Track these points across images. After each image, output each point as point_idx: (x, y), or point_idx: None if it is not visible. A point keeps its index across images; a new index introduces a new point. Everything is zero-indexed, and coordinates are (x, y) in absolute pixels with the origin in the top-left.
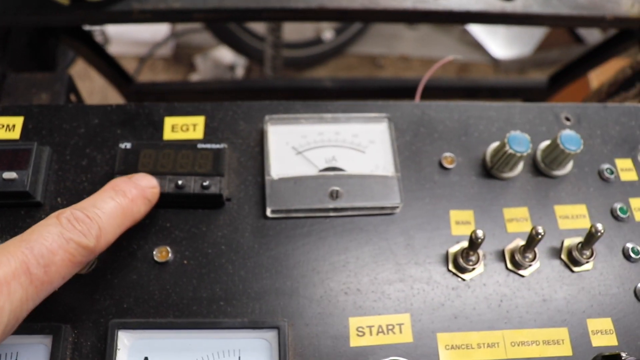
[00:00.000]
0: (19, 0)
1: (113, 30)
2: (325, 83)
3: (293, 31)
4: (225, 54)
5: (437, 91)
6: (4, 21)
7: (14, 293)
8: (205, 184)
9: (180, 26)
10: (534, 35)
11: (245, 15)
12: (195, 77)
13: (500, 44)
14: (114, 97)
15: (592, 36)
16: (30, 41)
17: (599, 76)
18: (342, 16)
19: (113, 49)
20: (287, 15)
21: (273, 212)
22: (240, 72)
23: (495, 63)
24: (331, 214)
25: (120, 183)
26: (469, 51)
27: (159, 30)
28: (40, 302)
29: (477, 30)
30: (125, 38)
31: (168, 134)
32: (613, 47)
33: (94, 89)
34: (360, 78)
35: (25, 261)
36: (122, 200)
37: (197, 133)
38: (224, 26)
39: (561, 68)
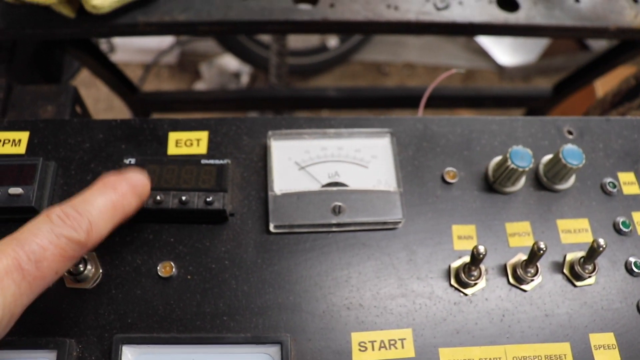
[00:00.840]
0: (25, 13)
1: (118, 38)
2: (329, 92)
3: (298, 39)
4: (230, 62)
5: (441, 100)
6: (10, 34)
7: (7, 289)
8: (208, 199)
9: None
10: (539, 42)
11: (249, 28)
12: (200, 85)
13: (505, 51)
14: (119, 105)
15: (598, 43)
16: (36, 53)
17: (605, 84)
18: (346, 28)
19: (118, 57)
20: (291, 27)
21: (276, 227)
22: (245, 80)
23: (500, 70)
24: (334, 229)
25: (110, 178)
26: (474, 58)
27: (165, 38)
28: (36, 297)
29: (482, 37)
30: (131, 46)
31: (172, 149)
32: (618, 56)
33: (100, 96)
34: (364, 87)
35: (17, 258)
36: (112, 195)
37: (201, 148)
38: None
39: (565, 77)
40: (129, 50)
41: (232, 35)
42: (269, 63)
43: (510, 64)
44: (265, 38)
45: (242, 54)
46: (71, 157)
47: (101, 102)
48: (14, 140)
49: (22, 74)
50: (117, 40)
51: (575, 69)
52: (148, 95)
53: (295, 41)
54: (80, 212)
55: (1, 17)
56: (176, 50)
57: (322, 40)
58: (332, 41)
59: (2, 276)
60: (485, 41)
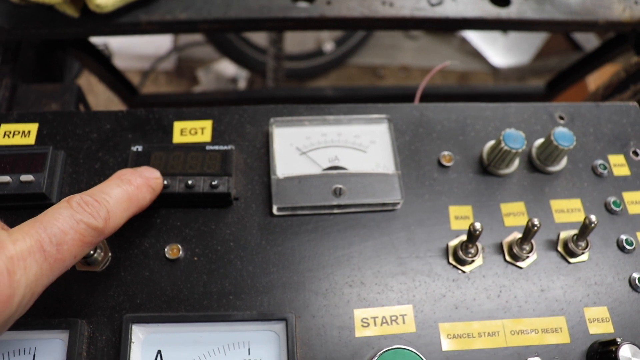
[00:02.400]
0: (29, 14)
1: (116, 44)
2: (326, 92)
3: (294, 43)
4: (227, 67)
5: (436, 98)
6: (16, 35)
7: (29, 268)
8: (214, 183)
9: (183, 40)
10: (533, 43)
11: (249, 26)
12: (197, 90)
13: (499, 52)
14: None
15: (590, 43)
16: (38, 54)
17: (597, 80)
18: (343, 25)
19: (116, 63)
20: (289, 24)
21: (279, 209)
22: (242, 85)
23: (495, 71)
24: (335, 210)
25: (126, 172)
26: (468, 60)
27: (162, 45)
28: (55, 279)
29: (476, 39)
30: (129, 52)
31: (177, 138)
32: (608, 53)
33: (98, 103)
34: (361, 87)
35: (39, 239)
36: (128, 187)
37: (205, 136)
38: (226, 39)
39: (558, 74)
40: (126, 56)
41: (232, 32)
42: (266, 67)
43: (504, 65)
44: (262, 42)
45: (239, 59)
46: (79, 147)
47: (99, 108)
48: (23, 132)
49: (25, 75)
50: (115, 47)
51: (567, 65)
52: (147, 97)
53: (292, 45)
54: (99, 200)
55: (6, 18)
56: (173, 56)
57: (319, 44)
58: (328, 45)
59: (25, 256)
60: (480, 43)
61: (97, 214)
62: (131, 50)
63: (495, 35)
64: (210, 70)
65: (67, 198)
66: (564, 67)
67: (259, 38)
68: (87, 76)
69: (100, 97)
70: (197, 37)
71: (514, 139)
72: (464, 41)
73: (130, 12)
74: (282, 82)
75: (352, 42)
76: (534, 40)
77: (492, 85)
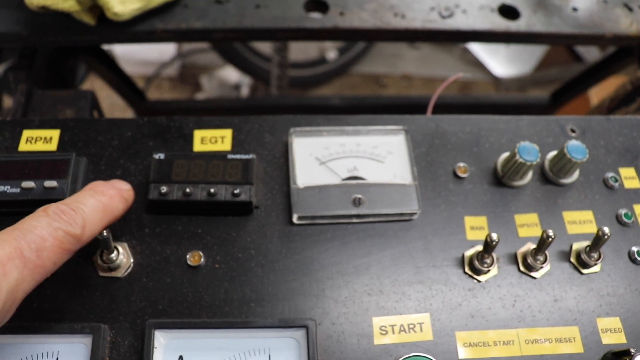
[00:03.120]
0: (47, 21)
1: (120, 50)
2: (333, 101)
3: (298, 51)
4: (230, 74)
5: (441, 108)
6: (33, 42)
7: (10, 274)
8: (235, 191)
9: (187, 46)
10: (534, 54)
11: (262, 36)
12: (201, 97)
13: (501, 62)
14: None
15: (591, 54)
16: (50, 60)
17: (599, 93)
18: (355, 36)
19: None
20: (303, 35)
21: (299, 218)
22: (245, 92)
23: (496, 81)
24: (354, 220)
25: (98, 184)
26: (470, 70)
27: (166, 51)
28: (36, 285)
29: (477, 49)
30: (133, 58)
31: (198, 146)
32: (612, 65)
33: (102, 108)
34: (368, 96)
35: (19, 247)
36: (102, 198)
37: (225, 145)
38: (231, 47)
39: (562, 85)
40: (130, 62)
41: (246, 41)
42: (270, 74)
43: (505, 75)
44: (267, 50)
45: (243, 66)
46: (101, 154)
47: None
48: (45, 138)
49: (39, 81)
50: (119, 53)
51: (572, 77)
52: (154, 103)
53: (295, 53)
54: (75, 209)
55: (25, 25)
56: (177, 62)
57: (322, 52)
58: (332, 53)
59: (5, 262)
60: (481, 53)
61: (74, 222)
62: (135, 55)
63: (497, 46)
64: (214, 77)
65: (43, 207)
66: (565, 78)
67: (264, 46)
68: (90, 81)
69: (103, 101)
70: (202, 43)
71: (529, 151)
72: (466, 51)
73: (146, 21)
74: (285, 90)
75: (355, 51)
76: (536, 51)
77: (497, 95)
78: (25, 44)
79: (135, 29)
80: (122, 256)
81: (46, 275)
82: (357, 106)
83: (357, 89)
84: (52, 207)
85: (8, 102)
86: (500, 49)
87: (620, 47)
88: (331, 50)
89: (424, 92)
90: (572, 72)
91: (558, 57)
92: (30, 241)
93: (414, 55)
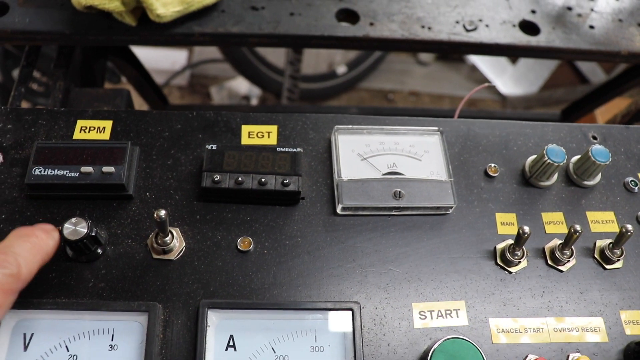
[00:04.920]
0: (88, 21)
1: None
2: (350, 110)
3: (308, 65)
4: (240, 85)
5: None
6: (74, 40)
7: None
8: (285, 181)
9: (198, 57)
10: (540, 74)
11: (296, 42)
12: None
13: (508, 82)
14: None
15: (596, 77)
16: (84, 60)
17: (604, 113)
18: (384, 46)
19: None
20: (334, 43)
21: (343, 209)
22: (254, 103)
23: (503, 100)
24: (393, 212)
25: (22, 229)
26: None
27: (178, 61)
28: None
29: (485, 67)
30: (145, 66)
31: (245, 140)
32: (621, 85)
33: None
34: (385, 107)
35: None
36: (29, 238)
37: (271, 140)
38: (244, 58)
39: (572, 103)
40: None
41: (279, 47)
42: (282, 86)
43: (512, 94)
44: (278, 62)
45: (254, 77)
46: (152, 144)
47: None
48: (98, 128)
49: (75, 79)
50: None
51: (581, 95)
52: (177, 108)
53: (306, 67)
54: (5, 252)
55: (67, 24)
56: (187, 72)
57: (331, 66)
58: (341, 68)
59: None
60: (489, 71)
61: (8, 262)
62: (147, 64)
63: (504, 65)
64: (223, 88)
65: None
66: (571, 98)
67: (275, 58)
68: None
69: None
70: (212, 54)
71: (556, 153)
72: (474, 69)
73: (185, 24)
74: (296, 101)
75: (364, 66)
76: (542, 72)
77: (510, 111)
78: (67, 42)
79: (174, 31)
80: (176, 240)
81: None
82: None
83: (365, 103)
84: None
85: (25, 105)
86: (508, 68)
87: (630, 67)
88: (341, 65)
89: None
90: (577, 93)
91: (564, 78)
92: None
93: (422, 72)
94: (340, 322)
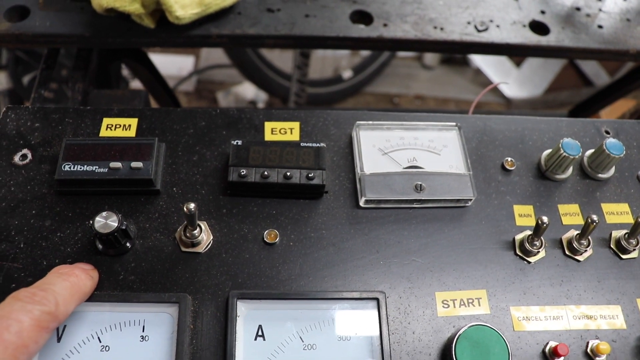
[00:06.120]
0: (107, 24)
1: None
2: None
3: (314, 70)
4: (246, 90)
5: None
6: (94, 43)
7: None
8: (310, 175)
9: (204, 62)
10: (545, 77)
11: (312, 43)
12: None
13: (513, 85)
14: None
15: (600, 79)
16: (99, 63)
17: (609, 115)
18: (398, 46)
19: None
20: (349, 44)
21: (366, 202)
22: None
23: (507, 103)
24: (415, 205)
25: (63, 267)
26: (482, 91)
27: (185, 67)
28: None
29: (489, 71)
30: None
31: (268, 136)
32: (627, 85)
33: None
34: (398, 108)
35: None
36: (69, 277)
37: (294, 136)
38: (251, 63)
39: (578, 104)
40: None
41: (295, 48)
42: (289, 91)
43: (517, 96)
44: (285, 67)
45: (261, 83)
46: (177, 141)
47: None
48: (124, 125)
49: (92, 82)
50: None
51: (588, 96)
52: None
53: (312, 72)
54: (44, 289)
55: (87, 27)
56: (194, 78)
57: (337, 71)
58: (347, 72)
59: None
60: (493, 75)
61: (47, 300)
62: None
63: (509, 68)
64: (230, 93)
65: (12, 294)
66: (575, 101)
67: (282, 63)
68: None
69: None
70: (219, 60)
71: (572, 147)
72: (478, 72)
73: (202, 26)
74: (303, 106)
75: (370, 70)
76: (546, 74)
77: (519, 111)
78: (86, 45)
79: (192, 33)
80: (203, 233)
81: (30, 355)
82: None
83: (371, 107)
84: (22, 292)
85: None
86: (512, 71)
87: (636, 67)
88: (346, 70)
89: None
90: (582, 95)
91: (568, 80)
92: (8, 325)
93: (427, 76)
94: (366, 311)
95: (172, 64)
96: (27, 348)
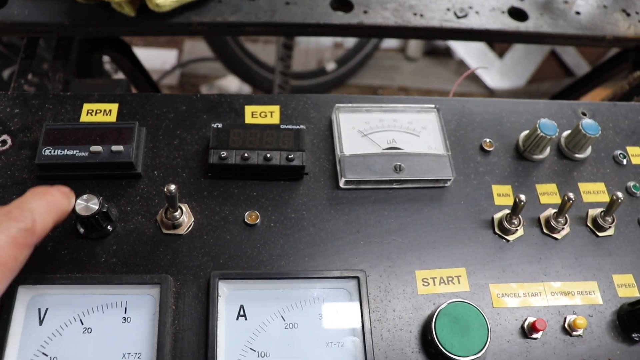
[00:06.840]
0: (87, 12)
1: None
2: None
3: (298, 62)
4: (230, 83)
5: None
6: (74, 32)
7: None
8: (290, 157)
9: (187, 56)
10: (527, 68)
11: (292, 31)
12: None
13: (495, 76)
14: None
15: (581, 69)
16: (80, 54)
17: None
18: (378, 33)
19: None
20: (330, 31)
21: (346, 182)
22: None
23: (490, 93)
24: (394, 185)
25: (38, 187)
26: (465, 82)
27: (169, 60)
28: (6, 283)
29: (472, 62)
30: None
31: (249, 119)
32: (607, 72)
33: None
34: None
35: None
36: (45, 196)
37: (274, 119)
38: (234, 56)
39: (559, 92)
40: None
41: (276, 35)
42: (273, 83)
43: (500, 87)
44: (268, 60)
45: (245, 75)
46: (158, 125)
47: None
48: (104, 110)
49: (72, 72)
50: None
51: (569, 83)
52: None
53: (296, 64)
54: (20, 207)
55: (66, 15)
56: (177, 71)
57: (321, 63)
58: (330, 65)
59: None
60: (476, 66)
61: (23, 216)
62: None
63: (492, 59)
64: (214, 86)
65: None
66: (557, 91)
67: (265, 55)
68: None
69: None
70: (202, 53)
71: (548, 127)
72: (462, 64)
73: (183, 14)
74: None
75: (353, 63)
76: (529, 65)
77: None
78: (66, 34)
79: (173, 21)
80: (185, 215)
81: (12, 272)
82: None
83: None
84: None
85: None
86: (495, 62)
87: (615, 54)
88: (330, 62)
89: None
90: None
91: (550, 71)
92: None
93: (410, 68)
94: (346, 290)
95: (155, 58)
96: (7, 266)
